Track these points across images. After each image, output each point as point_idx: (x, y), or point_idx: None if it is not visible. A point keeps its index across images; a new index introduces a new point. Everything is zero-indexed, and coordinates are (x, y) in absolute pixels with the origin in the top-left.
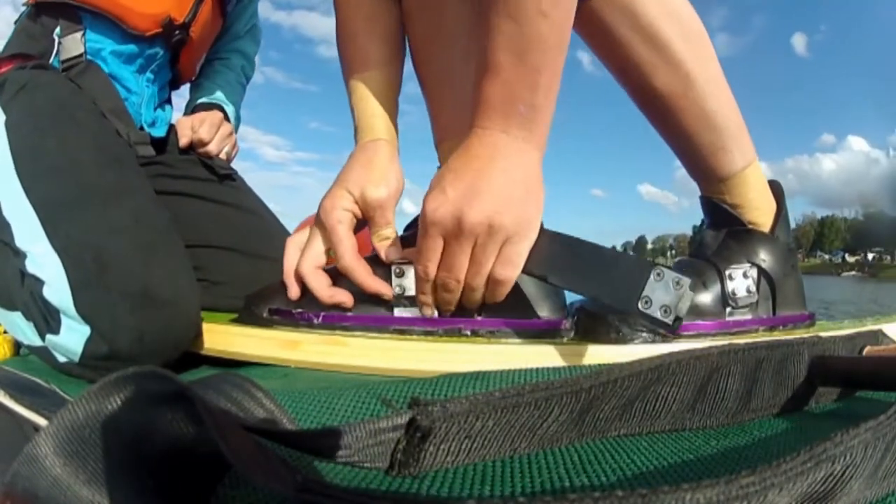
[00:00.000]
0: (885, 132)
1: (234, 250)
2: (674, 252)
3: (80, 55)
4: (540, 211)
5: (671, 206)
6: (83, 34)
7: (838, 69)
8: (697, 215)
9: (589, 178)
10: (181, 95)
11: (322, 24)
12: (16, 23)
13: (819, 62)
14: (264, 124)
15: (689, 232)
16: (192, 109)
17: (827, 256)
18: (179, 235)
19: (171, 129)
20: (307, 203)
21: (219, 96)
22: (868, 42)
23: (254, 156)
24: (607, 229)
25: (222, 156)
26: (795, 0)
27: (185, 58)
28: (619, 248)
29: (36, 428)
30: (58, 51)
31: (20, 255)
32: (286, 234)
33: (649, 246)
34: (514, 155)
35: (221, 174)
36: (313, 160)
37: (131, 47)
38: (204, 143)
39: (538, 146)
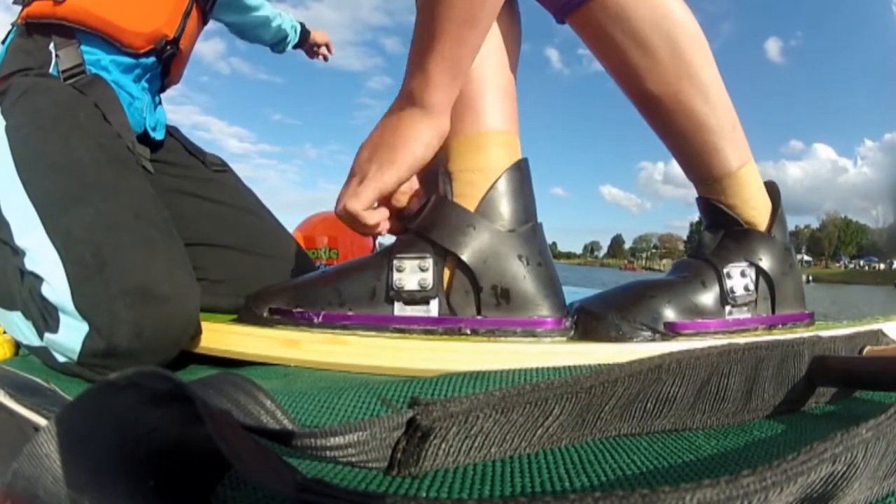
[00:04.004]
0: (853, 141)
1: (234, 248)
2: (652, 252)
3: (80, 65)
4: (398, 161)
5: (634, 209)
6: (78, 47)
7: (812, 75)
8: (660, 219)
9: (550, 175)
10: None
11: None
12: (3, 43)
13: (793, 68)
14: (229, 115)
15: (674, 231)
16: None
17: (848, 262)
18: (178, 233)
19: (169, 129)
20: (269, 195)
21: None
22: (846, 49)
23: (218, 147)
24: (570, 228)
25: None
26: (769, 5)
27: (174, 68)
28: (588, 247)
29: (36, 428)
30: (56, 62)
31: (19, 254)
32: (285, 232)
33: (627, 245)
34: (395, 113)
35: (215, 169)
36: (275, 152)
37: (127, 59)
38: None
39: (424, 107)
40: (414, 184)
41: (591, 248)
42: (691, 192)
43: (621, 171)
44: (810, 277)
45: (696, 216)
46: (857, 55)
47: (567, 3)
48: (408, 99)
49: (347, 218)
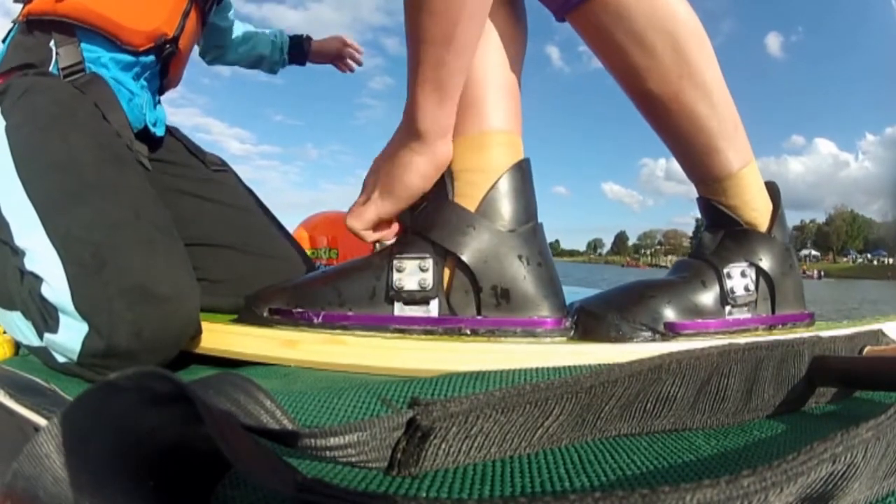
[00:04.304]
0: (854, 135)
1: (234, 248)
2: (657, 248)
3: (79, 62)
4: (396, 192)
5: (635, 206)
6: (78, 44)
7: (813, 70)
8: (662, 216)
9: (552, 174)
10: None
11: (291, 17)
12: (4, 41)
13: (793, 63)
14: (230, 117)
15: (678, 227)
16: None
17: (856, 257)
18: (178, 233)
19: (169, 129)
20: (270, 196)
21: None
22: (846, 44)
23: (219, 149)
24: (572, 227)
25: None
26: (770, 1)
27: (173, 68)
28: (591, 244)
29: (36, 428)
30: (56, 59)
31: (19, 254)
32: (285, 232)
33: (630, 242)
34: (396, 140)
35: (215, 169)
36: (276, 153)
37: (127, 57)
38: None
39: (417, 135)
40: None
41: (595, 245)
42: (693, 189)
43: (623, 168)
44: (822, 273)
45: (699, 212)
46: (858, 50)
47: (567, 2)
48: (404, 126)
49: (352, 232)
